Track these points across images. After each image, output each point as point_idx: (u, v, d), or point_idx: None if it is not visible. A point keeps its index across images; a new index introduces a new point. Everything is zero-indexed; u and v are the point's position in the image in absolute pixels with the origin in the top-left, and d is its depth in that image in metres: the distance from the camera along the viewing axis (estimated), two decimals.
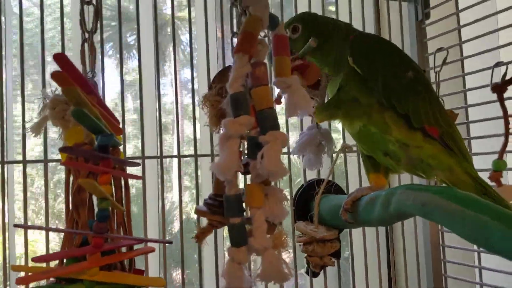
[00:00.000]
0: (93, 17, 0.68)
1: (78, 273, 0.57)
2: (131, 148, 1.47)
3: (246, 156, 0.60)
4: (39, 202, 1.71)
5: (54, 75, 0.55)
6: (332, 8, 1.34)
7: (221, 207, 0.63)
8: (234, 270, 0.55)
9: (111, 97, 1.43)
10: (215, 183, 0.65)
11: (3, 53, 0.97)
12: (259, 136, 0.56)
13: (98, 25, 0.73)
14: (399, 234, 1.30)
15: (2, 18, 1.02)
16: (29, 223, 0.91)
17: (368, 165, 0.94)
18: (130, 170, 0.71)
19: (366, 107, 0.85)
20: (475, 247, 1.23)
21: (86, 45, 0.70)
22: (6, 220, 0.90)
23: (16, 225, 0.67)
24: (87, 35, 0.68)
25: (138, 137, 1.05)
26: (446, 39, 1.24)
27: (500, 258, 1.20)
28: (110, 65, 1.84)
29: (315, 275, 1.07)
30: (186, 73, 2.00)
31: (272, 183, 0.60)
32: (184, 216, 1.06)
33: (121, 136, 0.79)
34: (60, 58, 0.57)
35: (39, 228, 0.63)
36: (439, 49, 1.20)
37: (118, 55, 1.42)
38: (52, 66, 1.63)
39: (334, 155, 1.15)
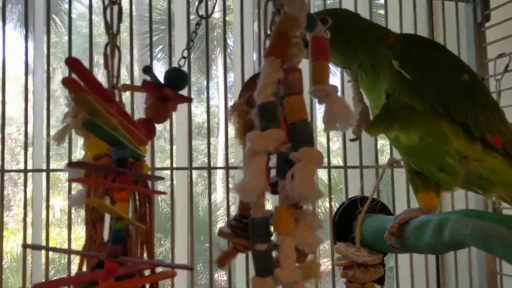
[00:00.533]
0: (117, 19, 0.63)
1: None
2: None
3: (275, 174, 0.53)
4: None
5: (65, 81, 0.50)
6: (382, 11, 1.27)
7: (246, 229, 0.57)
8: None
9: None
10: (240, 202, 0.58)
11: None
12: (291, 153, 0.49)
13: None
14: (451, 261, 1.21)
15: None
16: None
17: (417, 183, 0.88)
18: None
19: (423, 115, 0.78)
20: None
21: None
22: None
23: (24, 245, 0.63)
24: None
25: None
26: (508, 44, 1.15)
27: None
28: (158, 68, 1.88)
29: None
30: (231, 76, 1.98)
31: (305, 207, 0.52)
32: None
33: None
34: (72, 63, 0.52)
35: (48, 249, 0.58)
36: (501, 55, 1.12)
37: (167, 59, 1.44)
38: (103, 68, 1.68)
39: (380, 170, 1.07)
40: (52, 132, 0.92)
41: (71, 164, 0.53)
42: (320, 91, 0.54)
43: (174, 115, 0.90)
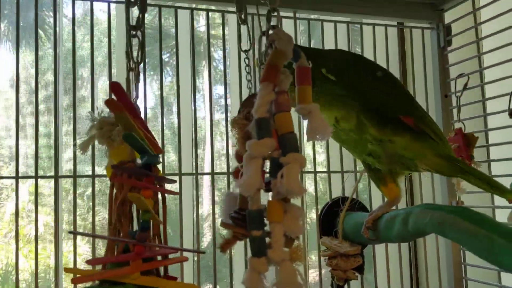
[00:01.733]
0: (139, 49, 0.73)
1: (123, 277, 0.60)
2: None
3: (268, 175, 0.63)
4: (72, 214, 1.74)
5: (107, 102, 0.60)
6: (358, 38, 1.36)
7: (244, 220, 0.66)
8: (253, 278, 0.58)
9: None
10: (240, 198, 0.68)
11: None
12: (280, 157, 0.59)
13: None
14: (421, 252, 1.29)
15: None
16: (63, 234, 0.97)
17: (375, 178, 0.96)
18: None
19: (343, 99, 0.88)
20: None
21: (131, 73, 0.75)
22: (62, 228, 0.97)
23: (70, 232, 0.72)
24: (132, 65, 0.73)
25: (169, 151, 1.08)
26: (466, 66, 1.25)
27: None
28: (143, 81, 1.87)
29: None
30: (218, 89, 2.02)
31: (292, 201, 0.62)
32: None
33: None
34: (115, 86, 0.63)
35: (90, 235, 0.67)
36: (460, 75, 1.21)
37: (151, 72, 1.48)
38: (88, 82, 1.68)
39: (358, 174, 1.17)
40: (41, 144, 0.98)
41: (114, 166, 0.63)
42: (304, 109, 0.63)
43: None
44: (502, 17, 1.17)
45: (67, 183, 1.66)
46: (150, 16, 1.66)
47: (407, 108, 0.89)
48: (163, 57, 1.74)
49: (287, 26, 1.15)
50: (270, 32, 0.66)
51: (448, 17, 1.30)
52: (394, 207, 0.97)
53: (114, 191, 0.70)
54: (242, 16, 0.99)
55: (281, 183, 0.56)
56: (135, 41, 0.74)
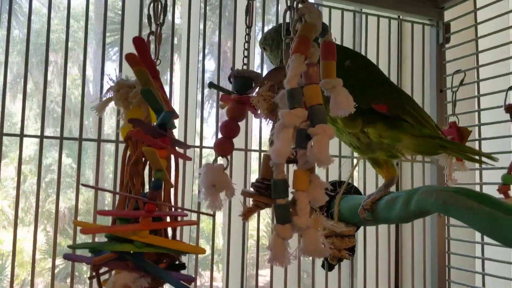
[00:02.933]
0: (162, 11, 0.71)
1: (131, 233, 0.59)
2: None
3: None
4: (29, 200, 1.70)
5: (128, 57, 0.58)
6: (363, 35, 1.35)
7: (267, 190, 0.65)
8: (279, 244, 0.57)
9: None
10: (263, 168, 0.67)
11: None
12: (309, 128, 0.59)
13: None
14: (408, 240, 1.32)
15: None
16: (18, 221, 0.94)
17: (372, 163, 0.97)
18: None
19: None
20: (479, 255, 1.25)
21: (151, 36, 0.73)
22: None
23: (83, 185, 0.70)
24: (153, 27, 0.71)
25: None
26: (463, 62, 1.27)
27: (502, 265, 1.21)
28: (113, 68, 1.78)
29: (330, 268, 1.09)
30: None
31: (316, 172, 0.62)
32: None
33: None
34: (138, 41, 0.61)
35: (107, 190, 0.65)
36: (457, 71, 1.22)
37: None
38: (55, 66, 1.63)
39: (355, 160, 1.17)
40: (7, 122, 0.95)
41: (131, 120, 0.61)
42: (328, 83, 0.63)
43: None
44: (499, 19, 1.20)
45: (26, 168, 1.60)
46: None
47: (381, 96, 0.87)
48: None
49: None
50: (300, 5, 0.66)
51: (447, 15, 1.31)
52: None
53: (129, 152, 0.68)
54: None
55: (311, 152, 0.56)
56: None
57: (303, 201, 0.58)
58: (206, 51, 1.12)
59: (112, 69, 1.47)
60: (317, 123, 0.58)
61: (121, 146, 0.98)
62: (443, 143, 0.89)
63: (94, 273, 0.65)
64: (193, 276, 0.66)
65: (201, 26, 1.12)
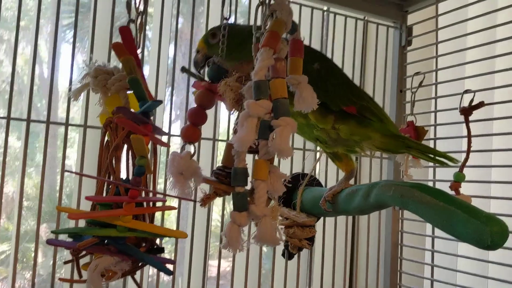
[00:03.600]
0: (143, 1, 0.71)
1: (114, 219, 0.59)
2: None
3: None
4: None
5: (115, 46, 0.58)
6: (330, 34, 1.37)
7: (227, 178, 0.67)
8: (234, 231, 0.59)
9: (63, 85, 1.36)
10: (225, 156, 0.69)
11: None
12: (272, 120, 0.60)
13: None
14: (364, 231, 1.37)
15: None
16: None
17: (331, 156, 1.00)
18: None
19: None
20: (429, 247, 1.31)
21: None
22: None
23: (67, 171, 0.69)
24: (133, 16, 0.71)
25: None
26: (423, 65, 1.32)
27: (449, 257, 1.27)
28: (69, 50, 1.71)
29: (290, 257, 1.12)
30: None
31: (275, 163, 0.64)
32: None
33: None
34: (124, 31, 0.61)
35: (91, 176, 0.65)
36: (417, 73, 1.26)
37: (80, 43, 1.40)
38: (7, 45, 1.54)
39: (318, 154, 1.20)
40: None
41: (118, 108, 0.61)
42: (294, 79, 0.65)
43: None
44: (458, 25, 1.25)
45: None
46: None
47: (349, 98, 0.90)
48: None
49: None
50: (272, 2, 0.67)
51: (410, 19, 1.36)
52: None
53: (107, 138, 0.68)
54: None
55: (273, 143, 0.58)
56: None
57: (261, 190, 0.60)
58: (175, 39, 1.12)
59: (67, 51, 1.43)
60: (281, 115, 0.60)
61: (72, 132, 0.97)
62: (409, 142, 0.93)
63: (73, 258, 0.66)
64: (173, 259, 0.67)
65: (174, 12, 1.12)
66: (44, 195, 0.92)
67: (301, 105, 0.64)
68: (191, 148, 0.74)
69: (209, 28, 1.12)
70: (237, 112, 0.69)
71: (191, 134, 0.74)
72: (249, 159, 0.62)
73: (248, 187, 0.62)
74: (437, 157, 0.95)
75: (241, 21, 1.30)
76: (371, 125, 0.91)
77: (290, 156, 0.60)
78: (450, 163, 0.96)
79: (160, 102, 0.62)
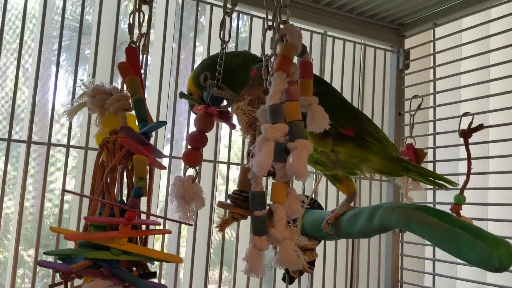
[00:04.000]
0: (142, 22, 0.71)
1: (109, 241, 0.58)
2: None
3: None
4: None
5: (121, 66, 0.58)
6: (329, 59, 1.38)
7: (244, 202, 0.66)
8: (255, 256, 0.58)
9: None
10: (240, 180, 0.68)
11: None
12: (288, 143, 0.60)
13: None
14: (364, 255, 1.35)
15: None
16: None
17: (331, 179, 0.99)
18: None
19: None
20: (429, 270, 1.30)
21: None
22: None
23: (65, 191, 0.68)
24: (134, 38, 0.71)
25: None
26: (421, 88, 1.33)
27: (451, 280, 1.26)
28: (61, 74, 1.68)
29: (291, 281, 1.11)
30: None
31: (291, 186, 0.63)
32: None
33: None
34: (131, 51, 0.61)
35: (83, 196, 0.64)
36: (415, 96, 1.28)
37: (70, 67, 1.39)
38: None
39: (318, 176, 1.20)
40: None
41: (123, 128, 0.60)
42: (305, 100, 0.65)
43: None
44: (455, 49, 1.27)
45: None
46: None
47: (347, 122, 0.90)
48: (86, 52, 1.52)
49: (260, 30, 1.16)
50: (281, 26, 0.68)
51: (408, 43, 1.38)
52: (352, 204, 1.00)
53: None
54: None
55: (290, 166, 0.57)
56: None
57: (280, 213, 0.59)
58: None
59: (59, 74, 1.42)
60: (297, 138, 0.60)
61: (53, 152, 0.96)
62: (408, 165, 0.93)
63: (62, 281, 0.64)
64: (166, 285, 0.65)
65: (176, 36, 1.12)
66: (30, 219, 0.90)
67: (313, 126, 0.64)
68: (192, 171, 0.73)
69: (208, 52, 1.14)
70: (249, 135, 0.69)
71: (192, 158, 0.73)
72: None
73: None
74: (436, 180, 0.95)
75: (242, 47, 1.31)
76: (370, 147, 0.91)
77: (307, 178, 0.59)
78: (449, 186, 0.96)
79: (165, 123, 0.62)
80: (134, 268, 0.65)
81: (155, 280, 0.66)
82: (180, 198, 0.68)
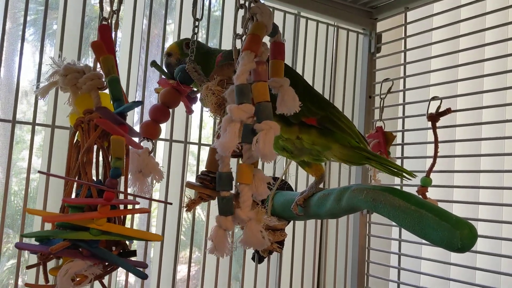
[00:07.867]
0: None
1: (88, 221, 0.57)
2: None
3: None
4: None
5: (94, 44, 0.56)
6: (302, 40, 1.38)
7: (212, 182, 0.66)
8: (220, 235, 0.58)
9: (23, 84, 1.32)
10: (209, 161, 0.68)
11: None
12: (255, 124, 0.60)
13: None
14: (333, 235, 1.38)
15: None
16: None
17: (300, 162, 1.00)
18: None
19: None
20: (395, 250, 1.34)
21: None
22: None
23: (40, 172, 0.66)
24: (105, 15, 0.69)
25: None
26: (391, 72, 1.34)
27: (416, 260, 1.30)
28: (28, 49, 1.66)
29: (260, 260, 1.12)
30: None
31: (258, 167, 0.63)
32: None
33: None
34: (103, 29, 0.59)
35: (60, 177, 0.62)
36: (386, 80, 1.29)
37: (38, 42, 1.36)
38: None
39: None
40: None
41: (99, 108, 0.59)
42: (276, 82, 0.65)
43: None
44: (425, 34, 1.29)
45: None
46: None
47: (309, 110, 0.90)
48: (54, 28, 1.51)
49: (232, 8, 1.14)
50: (252, 5, 0.67)
51: (380, 26, 1.38)
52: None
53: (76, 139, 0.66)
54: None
55: (256, 147, 0.57)
56: None
57: (246, 194, 0.59)
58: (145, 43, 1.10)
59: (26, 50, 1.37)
60: (264, 119, 0.60)
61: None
62: (369, 155, 0.93)
63: (40, 262, 0.63)
64: (147, 263, 0.65)
65: (147, 13, 1.10)
66: None
67: (283, 108, 0.64)
68: (149, 144, 0.72)
69: (178, 30, 1.12)
70: (219, 116, 0.68)
71: (151, 130, 0.72)
72: (232, 162, 0.61)
73: (233, 190, 0.61)
74: (395, 170, 0.96)
75: (215, 26, 1.29)
76: (332, 135, 0.91)
77: (273, 160, 0.60)
78: (409, 177, 0.97)
79: (141, 102, 0.61)
80: (113, 248, 0.64)
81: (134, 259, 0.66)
82: (137, 172, 0.67)
